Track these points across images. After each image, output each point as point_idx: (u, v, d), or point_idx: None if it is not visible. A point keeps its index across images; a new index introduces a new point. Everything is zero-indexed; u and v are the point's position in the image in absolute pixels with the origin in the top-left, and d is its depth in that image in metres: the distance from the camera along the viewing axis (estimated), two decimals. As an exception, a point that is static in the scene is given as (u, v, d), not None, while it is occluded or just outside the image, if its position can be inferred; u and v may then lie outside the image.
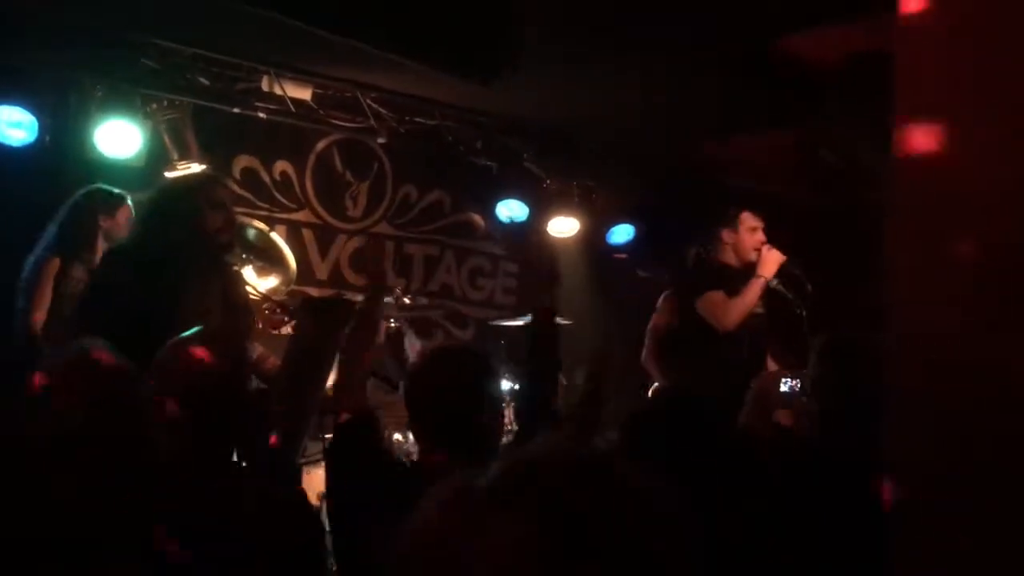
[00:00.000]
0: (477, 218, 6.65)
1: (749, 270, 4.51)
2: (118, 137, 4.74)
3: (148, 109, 4.94)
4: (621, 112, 5.63)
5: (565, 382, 5.81)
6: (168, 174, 4.94)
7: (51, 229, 4.23)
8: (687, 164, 6.55)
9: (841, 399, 2.47)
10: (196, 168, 5.17)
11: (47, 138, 4.63)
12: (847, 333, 2.60)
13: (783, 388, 2.82)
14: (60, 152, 4.74)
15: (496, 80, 4.32)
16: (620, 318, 6.83)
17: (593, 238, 6.65)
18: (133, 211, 4.26)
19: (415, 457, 2.42)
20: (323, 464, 3.99)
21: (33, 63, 4.61)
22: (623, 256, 6.84)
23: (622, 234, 6.69)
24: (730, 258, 4.60)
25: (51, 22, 4.49)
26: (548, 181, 6.39)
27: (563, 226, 6.43)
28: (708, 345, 4.39)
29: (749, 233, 4.55)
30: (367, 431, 2.35)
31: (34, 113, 4.55)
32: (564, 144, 6.39)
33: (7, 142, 4.53)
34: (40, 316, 4.16)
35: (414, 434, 2.42)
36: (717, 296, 4.40)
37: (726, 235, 4.58)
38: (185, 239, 3.51)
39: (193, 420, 2.08)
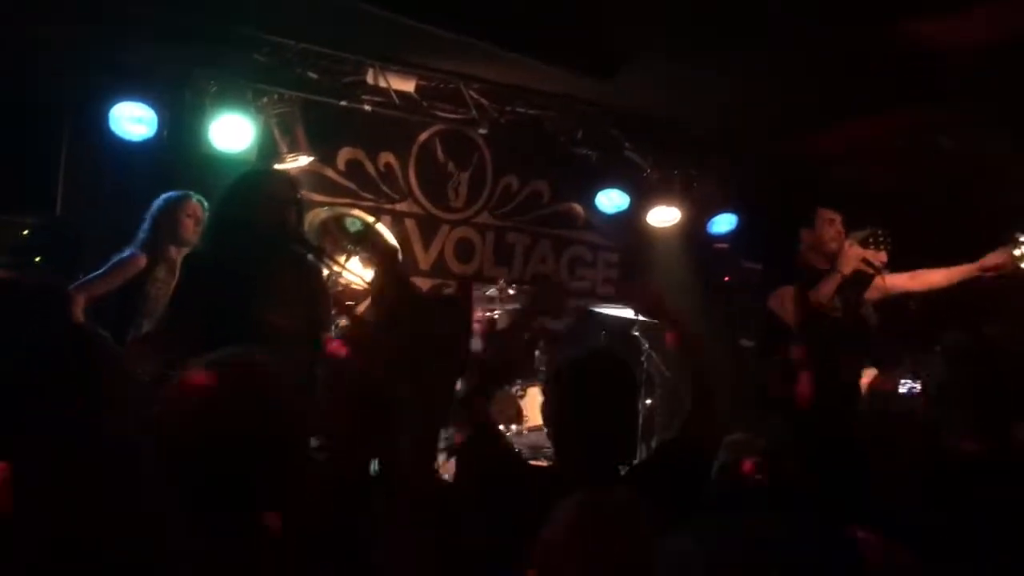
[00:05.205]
0: (578, 208, 6.61)
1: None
2: (231, 131, 4.88)
3: (259, 103, 5.07)
4: (724, 100, 5.53)
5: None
6: (278, 167, 5.06)
7: (138, 234, 4.25)
8: (789, 154, 6.38)
9: (972, 404, 2.36)
10: (303, 160, 5.31)
11: (165, 132, 4.79)
12: (982, 332, 2.48)
13: (902, 390, 2.72)
14: (176, 146, 4.90)
15: (614, 75, 4.26)
16: (722, 307, 6.73)
17: (694, 228, 6.55)
18: (202, 211, 4.27)
19: (547, 462, 2.41)
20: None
21: (151, 61, 4.77)
22: (725, 246, 6.71)
23: (724, 223, 6.57)
24: (814, 258, 4.45)
25: (167, 20, 4.64)
26: (649, 170, 6.32)
27: (664, 215, 6.36)
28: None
29: (828, 224, 4.40)
30: (492, 451, 2.31)
31: (154, 108, 4.71)
32: (665, 133, 6.30)
33: (129, 137, 4.71)
34: (81, 300, 3.93)
35: (553, 440, 2.37)
36: (786, 292, 4.30)
37: (805, 235, 4.47)
38: (254, 237, 3.47)
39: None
